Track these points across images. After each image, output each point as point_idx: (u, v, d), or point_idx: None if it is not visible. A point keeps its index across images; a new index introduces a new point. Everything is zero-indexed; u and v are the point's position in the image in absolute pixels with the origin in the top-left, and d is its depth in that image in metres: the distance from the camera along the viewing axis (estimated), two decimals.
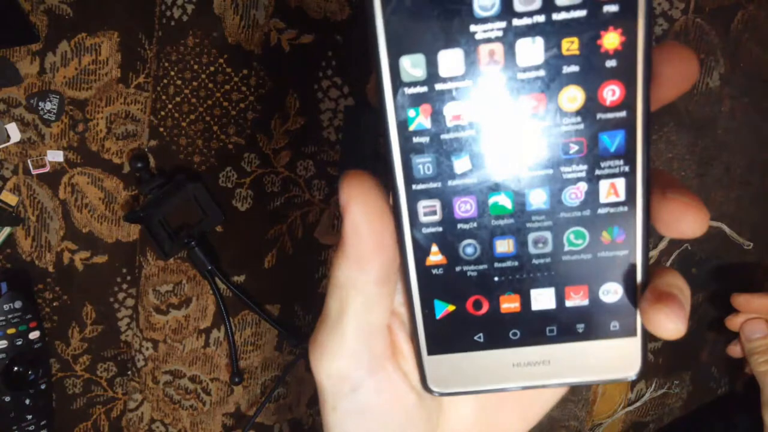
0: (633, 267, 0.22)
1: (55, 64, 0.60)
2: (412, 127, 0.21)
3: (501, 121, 0.21)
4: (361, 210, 0.21)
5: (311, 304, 0.62)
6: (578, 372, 0.23)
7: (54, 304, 0.64)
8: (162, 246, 0.60)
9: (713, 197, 0.62)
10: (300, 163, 0.60)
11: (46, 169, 0.61)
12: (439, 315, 0.23)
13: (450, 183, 0.21)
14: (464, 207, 0.22)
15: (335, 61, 0.58)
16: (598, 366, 0.23)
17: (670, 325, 0.20)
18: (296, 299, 0.62)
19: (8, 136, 0.61)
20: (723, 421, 0.67)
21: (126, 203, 0.62)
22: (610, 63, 0.20)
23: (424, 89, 0.20)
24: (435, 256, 0.22)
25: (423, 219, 0.22)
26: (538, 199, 0.22)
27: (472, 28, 0.20)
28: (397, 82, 0.20)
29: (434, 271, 0.22)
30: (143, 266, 0.62)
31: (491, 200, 0.22)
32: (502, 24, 0.20)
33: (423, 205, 0.22)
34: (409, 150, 0.21)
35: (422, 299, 0.23)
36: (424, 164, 0.21)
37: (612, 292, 0.22)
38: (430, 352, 0.23)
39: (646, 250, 0.22)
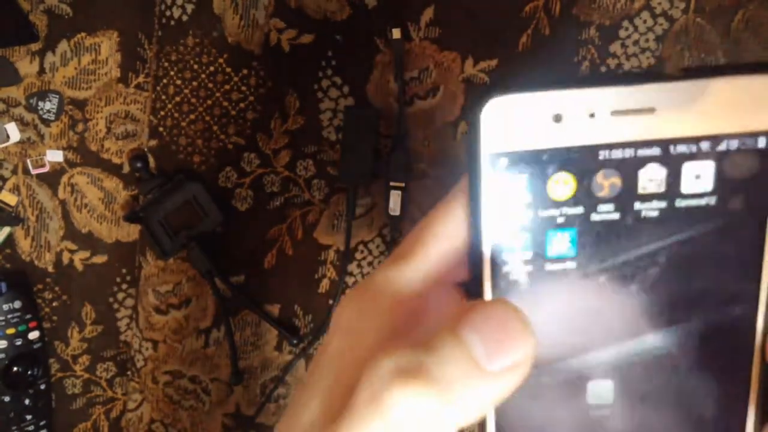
0: None
1: (55, 64, 0.60)
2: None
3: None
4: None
5: (311, 304, 0.62)
6: None
7: (53, 304, 0.63)
8: (162, 246, 0.59)
9: None
10: (300, 162, 0.60)
11: (46, 169, 0.61)
12: None
13: None
14: None
15: (335, 60, 0.58)
16: None
17: None
18: (296, 299, 0.62)
19: (8, 136, 0.61)
20: None
21: (126, 203, 0.62)
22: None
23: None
24: None
25: None
26: None
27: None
28: None
29: None
30: (143, 266, 0.62)
31: None
32: None
33: None
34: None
35: None
36: None
37: None
38: None
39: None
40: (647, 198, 0.20)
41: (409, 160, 0.57)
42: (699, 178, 0.19)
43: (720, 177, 0.19)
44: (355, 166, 0.57)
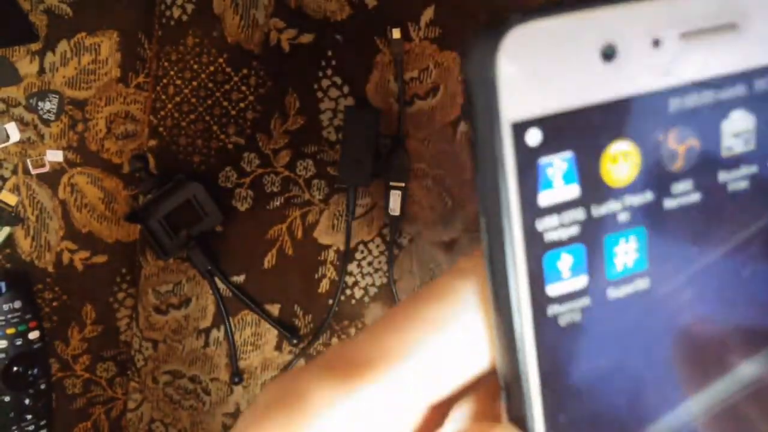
0: None
1: (55, 64, 0.60)
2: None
3: None
4: None
5: (311, 304, 0.62)
6: None
7: (53, 304, 0.63)
8: (162, 246, 0.59)
9: None
10: (300, 162, 0.60)
11: (46, 169, 0.61)
12: None
13: None
14: None
15: (335, 60, 0.58)
16: None
17: None
18: (296, 299, 0.62)
19: (8, 136, 0.60)
20: None
21: (126, 203, 0.62)
22: None
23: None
24: None
25: None
26: None
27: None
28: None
29: None
30: (143, 266, 0.62)
31: None
32: None
33: None
34: None
35: None
36: None
37: None
38: None
39: None
40: (733, 163, 0.14)
41: (409, 160, 0.57)
42: None
43: None
44: (355, 166, 0.57)
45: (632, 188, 0.13)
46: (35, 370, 0.61)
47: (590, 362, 0.14)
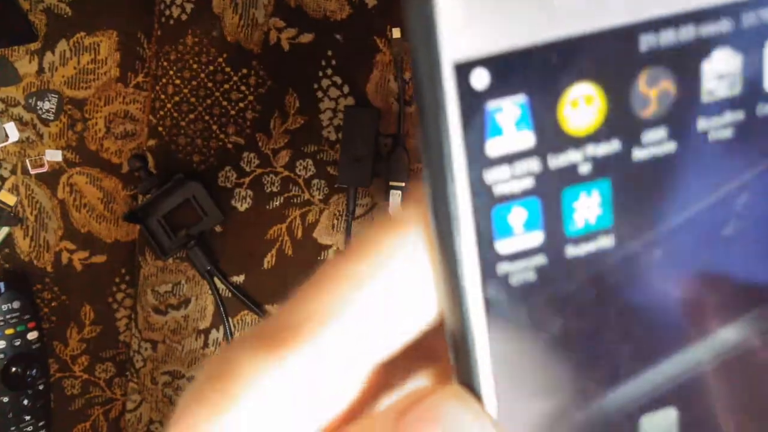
0: None
1: (54, 64, 0.60)
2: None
3: None
4: None
5: None
6: None
7: (52, 304, 0.63)
8: (161, 246, 0.59)
9: None
10: (299, 162, 0.59)
11: (45, 169, 0.61)
12: None
13: None
14: None
15: (335, 60, 0.58)
16: None
17: None
18: None
19: (7, 136, 0.60)
20: None
21: (125, 203, 0.62)
22: None
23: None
24: None
25: None
26: None
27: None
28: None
29: None
30: (142, 266, 0.62)
31: None
32: None
33: None
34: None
35: None
36: None
37: None
38: None
39: None
40: (715, 108, 0.12)
41: (409, 160, 0.57)
42: None
43: None
44: (355, 166, 0.57)
45: (596, 137, 0.12)
46: (34, 371, 0.60)
47: (547, 325, 0.13)
